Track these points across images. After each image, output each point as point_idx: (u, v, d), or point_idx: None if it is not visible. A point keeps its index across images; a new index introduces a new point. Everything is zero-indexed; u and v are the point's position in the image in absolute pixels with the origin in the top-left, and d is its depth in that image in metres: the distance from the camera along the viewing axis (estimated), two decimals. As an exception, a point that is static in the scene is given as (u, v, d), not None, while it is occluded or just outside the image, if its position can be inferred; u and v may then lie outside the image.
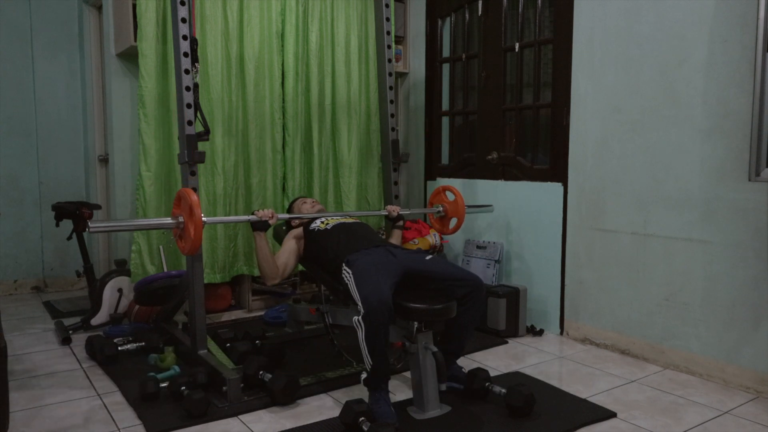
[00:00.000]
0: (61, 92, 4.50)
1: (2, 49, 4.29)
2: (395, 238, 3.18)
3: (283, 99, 3.81)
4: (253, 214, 2.70)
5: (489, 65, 3.90)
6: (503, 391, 2.39)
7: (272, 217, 2.70)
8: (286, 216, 2.98)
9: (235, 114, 3.63)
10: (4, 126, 4.32)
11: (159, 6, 3.35)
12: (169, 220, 2.47)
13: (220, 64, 3.54)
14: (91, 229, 2.26)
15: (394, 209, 3.18)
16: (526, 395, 2.33)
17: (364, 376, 2.30)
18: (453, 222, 3.39)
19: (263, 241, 2.70)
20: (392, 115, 3.49)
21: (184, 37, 2.63)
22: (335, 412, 2.32)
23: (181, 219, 2.43)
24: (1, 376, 1.84)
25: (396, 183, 3.51)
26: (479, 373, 2.50)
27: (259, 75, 3.68)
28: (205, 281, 3.58)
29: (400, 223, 3.20)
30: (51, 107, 4.48)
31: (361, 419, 2.12)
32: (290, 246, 2.88)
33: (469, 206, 3.46)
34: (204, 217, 2.39)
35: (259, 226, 2.69)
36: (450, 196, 3.38)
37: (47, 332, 3.48)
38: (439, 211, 3.40)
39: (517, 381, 2.64)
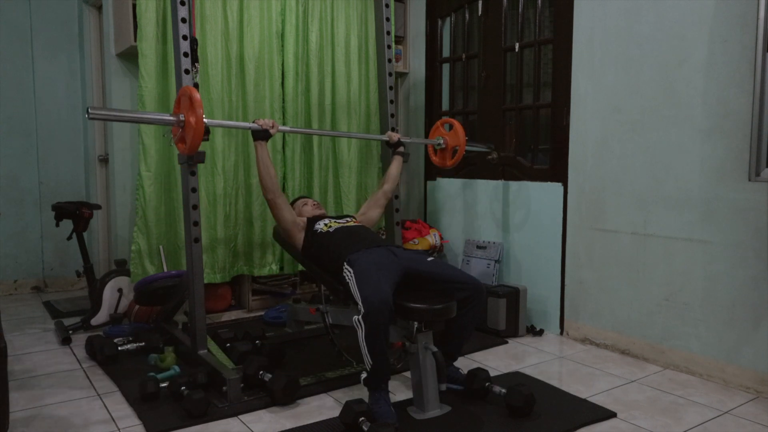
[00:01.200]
0: (61, 92, 4.50)
1: (2, 49, 4.29)
2: (395, 165, 3.25)
3: (283, 99, 3.81)
4: (254, 122, 2.74)
5: (489, 65, 3.90)
6: (503, 391, 2.39)
7: (273, 126, 2.77)
8: (286, 129, 3.07)
9: (235, 114, 3.63)
10: (4, 126, 4.33)
11: (159, 6, 3.35)
12: (170, 117, 2.46)
13: (220, 64, 3.54)
14: (90, 116, 2.25)
15: (395, 135, 3.25)
16: (526, 395, 2.33)
17: (364, 376, 2.30)
18: (455, 154, 3.43)
19: (264, 151, 2.76)
20: (392, 115, 3.49)
21: (184, 37, 2.63)
22: (335, 412, 2.32)
23: (182, 117, 2.42)
24: (1, 376, 1.84)
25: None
26: (479, 373, 2.50)
27: (259, 75, 3.68)
28: (205, 281, 3.58)
29: (400, 149, 3.28)
30: (51, 107, 4.48)
31: (361, 419, 2.12)
32: (294, 212, 2.98)
33: (469, 141, 3.49)
34: (205, 118, 2.39)
35: (260, 135, 2.75)
36: (448, 128, 3.40)
37: (47, 332, 3.48)
38: (439, 144, 3.44)
39: (517, 381, 2.64)
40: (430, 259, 2.59)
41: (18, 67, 4.35)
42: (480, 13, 3.93)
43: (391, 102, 3.49)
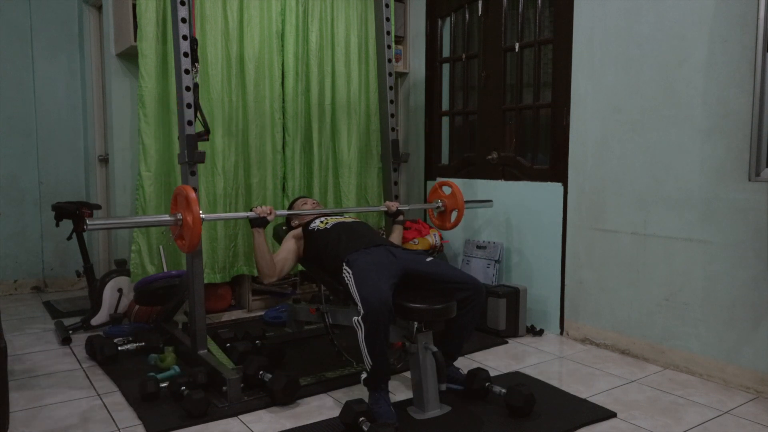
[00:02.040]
0: (61, 92, 4.50)
1: (2, 49, 4.30)
2: (395, 234, 3.19)
3: (283, 99, 3.81)
4: (251, 210, 2.71)
5: (489, 65, 3.90)
6: (503, 391, 2.39)
7: (270, 213, 2.71)
8: (285, 212, 2.98)
9: (235, 114, 3.63)
10: (4, 126, 4.33)
11: (159, 6, 3.35)
12: (167, 218, 2.46)
13: (220, 64, 3.54)
14: (88, 227, 2.25)
15: (393, 205, 3.18)
16: (526, 395, 2.33)
17: (364, 376, 2.30)
18: (453, 215, 3.39)
19: (261, 238, 2.70)
20: (392, 115, 3.48)
21: (184, 37, 2.62)
22: (335, 412, 2.32)
23: (179, 216, 2.42)
24: (1, 376, 1.84)
25: (396, 183, 3.51)
26: (479, 373, 2.50)
27: (259, 75, 3.68)
28: (205, 281, 3.58)
29: (400, 218, 3.21)
30: (51, 107, 4.48)
31: (361, 419, 2.11)
32: (289, 246, 2.88)
33: (468, 201, 3.47)
34: (202, 214, 2.39)
35: (258, 222, 2.69)
36: (447, 191, 3.39)
37: (47, 332, 3.48)
38: (438, 206, 3.41)
39: (517, 381, 2.64)
40: (429, 259, 2.59)
41: (18, 67, 4.36)
42: (480, 13, 3.93)
43: (391, 102, 3.48)
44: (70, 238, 3.56)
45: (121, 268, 3.57)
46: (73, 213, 3.48)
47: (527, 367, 2.94)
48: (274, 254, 2.82)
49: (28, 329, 3.53)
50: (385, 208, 3.20)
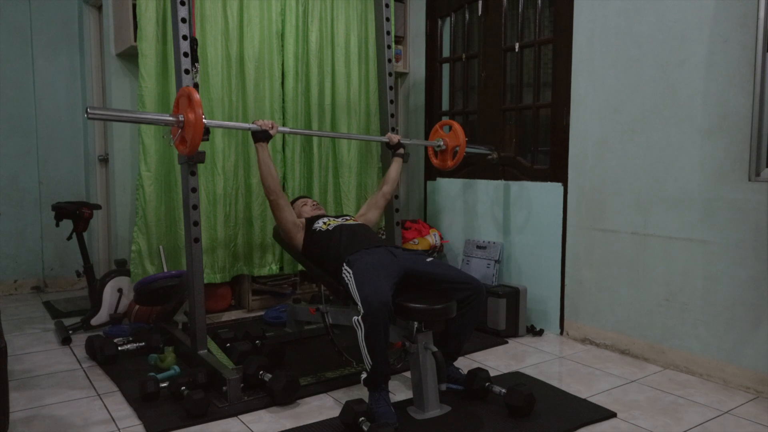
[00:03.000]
0: (61, 92, 4.50)
1: (2, 49, 4.30)
2: (394, 167, 3.24)
3: (283, 99, 3.81)
4: (254, 123, 2.74)
5: (489, 65, 3.90)
6: (503, 391, 2.39)
7: (273, 127, 2.76)
8: (286, 129, 3.01)
9: (235, 114, 3.63)
10: (4, 126, 4.33)
11: (159, 6, 3.35)
12: (169, 117, 2.45)
13: (220, 64, 3.54)
14: (89, 115, 2.23)
15: (395, 137, 3.24)
16: (526, 395, 2.33)
17: (364, 376, 2.30)
18: (455, 154, 3.42)
19: (265, 152, 2.76)
20: (392, 115, 3.49)
21: (184, 37, 2.62)
22: (335, 412, 2.32)
23: (181, 117, 2.42)
24: (1, 376, 1.84)
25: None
26: (479, 373, 2.50)
27: (259, 75, 3.68)
28: (205, 281, 3.58)
29: (400, 150, 3.26)
30: (51, 107, 4.48)
31: (361, 419, 2.12)
32: (295, 213, 2.98)
33: (469, 143, 3.49)
34: (205, 119, 2.39)
35: (261, 136, 2.75)
36: (448, 130, 3.41)
37: (47, 332, 3.47)
38: (439, 145, 3.44)
39: (517, 381, 2.64)
40: (429, 259, 2.59)
41: (18, 67, 4.36)
42: (480, 13, 3.93)
43: (391, 102, 3.49)
44: (70, 238, 3.56)
45: (121, 268, 3.57)
46: (73, 213, 3.48)
47: (527, 367, 2.94)
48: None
49: (28, 329, 3.53)
50: (387, 139, 3.25)
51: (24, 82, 4.38)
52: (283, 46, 3.78)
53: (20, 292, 4.47)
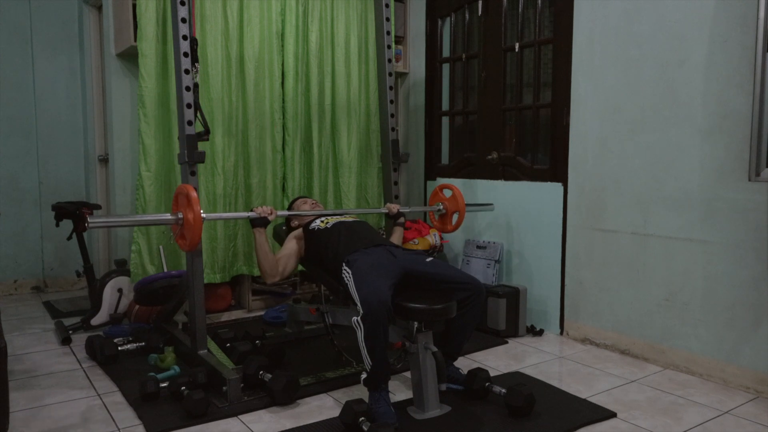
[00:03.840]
0: (61, 92, 4.51)
1: (2, 49, 4.30)
2: (396, 235, 3.18)
3: (283, 99, 3.81)
4: (252, 210, 2.71)
5: (489, 65, 3.90)
6: (503, 391, 2.39)
7: (271, 213, 2.71)
8: (285, 213, 2.98)
9: (235, 114, 3.63)
10: (4, 126, 4.33)
11: (159, 6, 3.35)
12: (168, 216, 2.46)
13: (220, 64, 3.54)
14: (90, 225, 2.25)
15: (394, 207, 3.18)
16: (526, 395, 2.32)
17: (364, 376, 2.29)
18: (455, 218, 3.39)
19: (263, 238, 2.70)
20: (392, 115, 3.48)
21: (184, 37, 2.62)
22: (335, 412, 2.32)
23: (180, 215, 2.42)
24: (1, 376, 1.84)
25: (396, 183, 3.51)
26: (479, 373, 2.50)
27: (259, 75, 3.68)
28: (205, 281, 3.58)
29: (401, 220, 3.20)
30: (51, 107, 4.48)
31: (361, 419, 2.11)
32: (291, 246, 2.88)
33: (469, 204, 3.46)
34: (203, 213, 2.39)
35: (259, 222, 2.69)
36: (448, 193, 3.38)
37: (47, 332, 3.47)
38: (439, 210, 3.40)
39: (517, 381, 2.63)
40: (429, 259, 2.59)
41: (18, 67, 4.36)
42: (480, 13, 3.93)
43: (391, 102, 3.48)
44: (70, 238, 3.56)
45: (121, 268, 3.57)
46: (73, 213, 3.48)
47: (527, 367, 2.94)
48: (276, 254, 2.82)
49: (28, 329, 3.53)
50: (386, 210, 3.20)
51: (24, 82, 4.38)
52: (283, 46, 3.78)
53: (20, 292, 4.47)
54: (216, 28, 3.52)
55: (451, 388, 2.51)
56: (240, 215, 2.91)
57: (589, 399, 2.55)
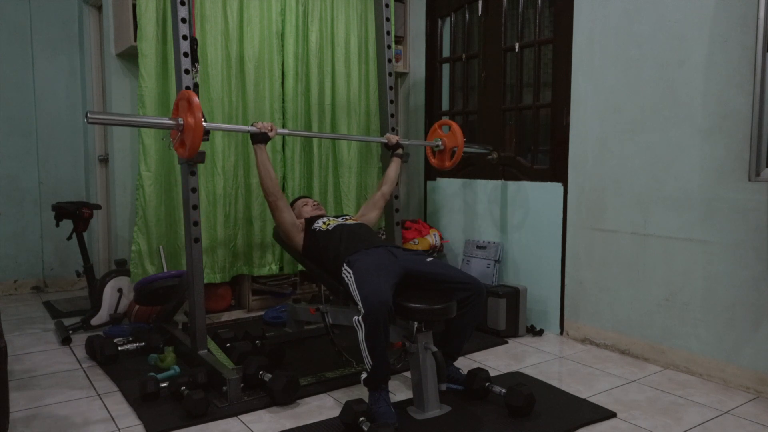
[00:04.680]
0: (61, 92, 4.50)
1: (2, 49, 4.29)
2: (393, 165, 3.23)
3: (283, 99, 3.80)
4: (253, 125, 2.73)
5: (489, 65, 3.90)
6: (503, 391, 2.38)
7: (272, 129, 2.75)
8: (285, 131, 3.01)
9: (235, 114, 3.63)
10: (4, 126, 4.33)
11: (159, 6, 3.35)
12: (169, 121, 2.44)
13: (220, 64, 3.54)
14: (89, 120, 2.21)
15: (393, 137, 3.24)
16: (526, 395, 2.32)
17: (364, 376, 2.29)
18: (453, 154, 3.40)
19: (264, 154, 2.76)
20: (392, 115, 3.48)
21: (184, 37, 2.62)
22: (335, 412, 2.32)
23: (180, 120, 2.41)
24: (1, 377, 1.84)
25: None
26: (479, 373, 2.49)
27: (259, 75, 3.67)
28: (205, 281, 3.58)
29: (399, 151, 3.26)
30: (51, 107, 4.48)
31: (361, 419, 2.11)
32: (295, 214, 2.97)
33: (467, 143, 3.48)
34: (204, 122, 2.38)
35: (259, 138, 2.74)
36: (446, 130, 3.40)
37: (47, 332, 3.47)
38: (437, 145, 3.43)
39: (517, 381, 2.63)
40: (429, 259, 2.58)
41: (18, 67, 4.35)
42: (480, 13, 3.93)
43: (391, 102, 3.48)
44: (69, 238, 3.56)
45: (121, 268, 3.57)
46: (73, 213, 3.47)
47: (527, 367, 2.94)
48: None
49: (28, 329, 3.53)
50: (386, 140, 3.25)
51: (24, 82, 4.38)
52: (283, 46, 3.77)
53: (20, 292, 4.47)
54: (216, 28, 3.51)
55: (451, 389, 2.51)
56: (241, 128, 2.91)
57: (589, 399, 2.55)
